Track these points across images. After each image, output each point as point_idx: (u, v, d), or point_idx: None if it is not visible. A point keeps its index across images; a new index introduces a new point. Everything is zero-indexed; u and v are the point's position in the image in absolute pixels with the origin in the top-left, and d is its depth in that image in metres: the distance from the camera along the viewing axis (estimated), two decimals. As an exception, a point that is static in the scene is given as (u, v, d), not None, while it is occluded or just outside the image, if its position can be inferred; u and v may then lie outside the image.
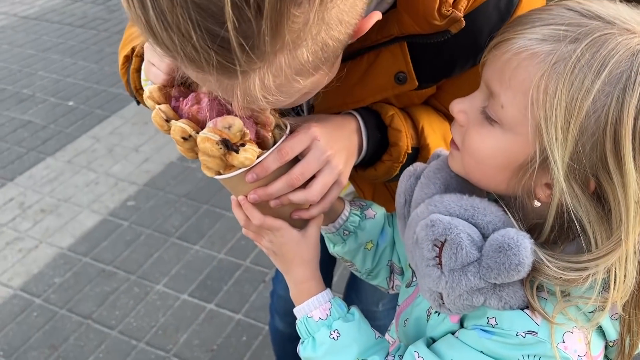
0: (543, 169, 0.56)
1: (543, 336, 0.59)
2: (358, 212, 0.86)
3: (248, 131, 0.70)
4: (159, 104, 0.72)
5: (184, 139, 0.68)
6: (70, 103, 3.47)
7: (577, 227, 0.57)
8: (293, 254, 0.77)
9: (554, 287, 0.59)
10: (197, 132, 0.68)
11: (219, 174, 0.71)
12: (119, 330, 2.07)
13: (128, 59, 0.89)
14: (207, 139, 0.66)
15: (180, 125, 0.68)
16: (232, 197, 0.77)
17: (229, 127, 0.67)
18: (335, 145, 0.75)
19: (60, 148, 3.07)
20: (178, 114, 0.71)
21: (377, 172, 0.85)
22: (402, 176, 0.74)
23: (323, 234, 0.86)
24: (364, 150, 0.82)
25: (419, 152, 0.86)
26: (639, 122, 0.52)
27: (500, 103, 0.58)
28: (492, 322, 0.62)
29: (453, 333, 0.67)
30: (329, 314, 0.74)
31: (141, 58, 0.84)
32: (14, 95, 3.55)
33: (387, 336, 0.89)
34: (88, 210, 2.64)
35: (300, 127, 0.74)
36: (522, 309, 0.60)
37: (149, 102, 0.72)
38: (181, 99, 0.74)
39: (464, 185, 0.68)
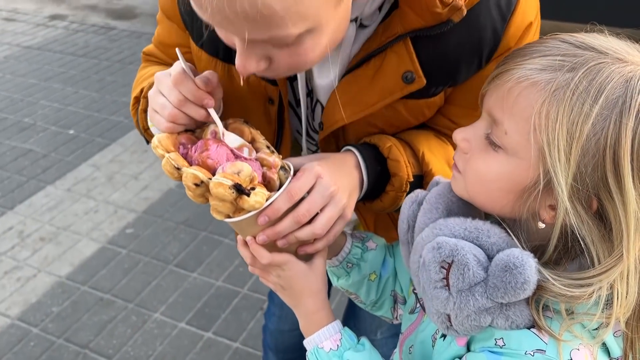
0: (547, 191, 0.59)
1: (551, 354, 0.60)
2: (360, 244, 0.88)
3: (256, 175, 0.73)
4: (168, 152, 0.74)
5: (196, 185, 0.70)
6: (71, 131, 3.50)
7: (581, 245, 0.60)
8: (301, 286, 0.79)
9: (559, 305, 0.60)
10: (209, 178, 0.70)
11: (229, 217, 0.73)
12: (116, 360, 2.06)
13: (137, 100, 0.93)
14: (220, 184, 0.69)
15: (192, 172, 0.70)
16: (239, 236, 0.78)
17: (239, 172, 0.70)
18: (338, 182, 0.77)
19: (60, 176, 3.10)
20: (187, 161, 0.74)
21: (383, 203, 0.88)
22: (404, 203, 0.76)
23: (327, 268, 0.87)
24: (365, 183, 0.84)
25: (422, 179, 0.87)
26: (636, 143, 0.56)
27: (504, 130, 0.61)
28: (500, 342, 0.63)
29: (460, 357, 0.67)
30: (339, 345, 0.75)
31: (147, 99, 0.87)
32: (15, 124, 3.59)
33: None
34: (87, 238, 2.65)
35: (304, 166, 0.77)
36: (529, 328, 0.61)
37: (157, 151, 0.74)
38: (189, 146, 0.76)
39: (465, 210, 0.70)
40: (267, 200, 0.72)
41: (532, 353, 0.61)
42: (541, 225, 0.62)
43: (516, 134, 0.60)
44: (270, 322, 1.47)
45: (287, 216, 0.74)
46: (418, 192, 0.76)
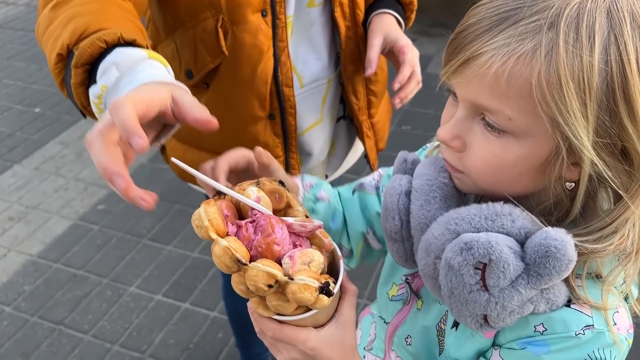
0: (570, 153, 0.54)
1: (600, 326, 0.58)
2: (311, 196, 0.81)
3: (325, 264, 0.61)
4: (219, 234, 0.57)
5: (270, 286, 0.56)
6: (37, 110, 3.41)
7: (609, 191, 0.57)
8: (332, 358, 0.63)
9: (594, 269, 0.58)
10: (290, 278, 0.56)
11: (280, 314, 0.60)
12: (92, 335, 2.04)
13: (62, 58, 0.73)
14: (306, 286, 0.55)
15: (267, 271, 0.55)
16: (249, 304, 0.64)
17: (310, 263, 0.58)
18: None
19: (27, 155, 3.02)
20: (244, 245, 0.58)
21: None
22: (386, 196, 0.68)
23: None
24: None
25: None
26: None
27: (506, 116, 0.55)
28: (540, 328, 0.59)
29: (485, 352, 0.64)
30: None
31: (87, 74, 0.70)
32: (-22, 104, 3.48)
33: (370, 357, 0.84)
34: (58, 216, 2.60)
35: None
36: (567, 306, 0.58)
37: (206, 233, 0.57)
38: (243, 223, 0.60)
39: (459, 191, 0.65)
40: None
41: (582, 332, 0.57)
42: (569, 185, 0.58)
43: (521, 116, 0.54)
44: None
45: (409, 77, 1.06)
46: (400, 181, 0.67)
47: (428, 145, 0.82)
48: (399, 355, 0.79)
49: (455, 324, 0.68)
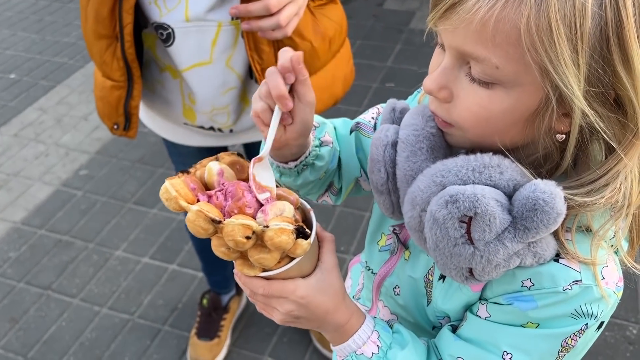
0: (560, 103, 0.52)
1: (587, 281, 0.57)
2: (317, 142, 0.76)
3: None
4: (188, 202, 0.59)
5: (247, 238, 0.56)
6: (12, 76, 3.33)
7: (602, 143, 0.55)
8: (321, 306, 0.64)
9: (583, 222, 0.57)
10: (265, 226, 0.57)
11: (265, 270, 0.61)
12: (81, 298, 2.05)
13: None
14: (282, 230, 0.56)
15: (242, 223, 0.56)
16: (235, 270, 0.65)
17: (282, 213, 0.59)
18: None
19: (5, 122, 2.96)
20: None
21: None
22: (372, 147, 0.66)
23: (273, 168, 0.75)
24: None
25: None
26: (638, 17, 0.49)
27: (493, 65, 0.52)
28: (528, 283, 0.58)
29: (471, 305, 0.64)
30: (380, 345, 0.66)
31: None
32: (-49, 71, 3.39)
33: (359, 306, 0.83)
34: (40, 182, 2.57)
35: None
36: (556, 260, 0.57)
37: (177, 203, 0.58)
38: (212, 192, 0.61)
39: (446, 142, 0.63)
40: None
41: (569, 287, 0.57)
42: (560, 137, 0.56)
43: (509, 64, 0.52)
44: None
45: (259, 2, 0.98)
46: (386, 132, 0.65)
47: (419, 88, 0.80)
48: (387, 305, 0.79)
49: (443, 276, 0.68)
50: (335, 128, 0.83)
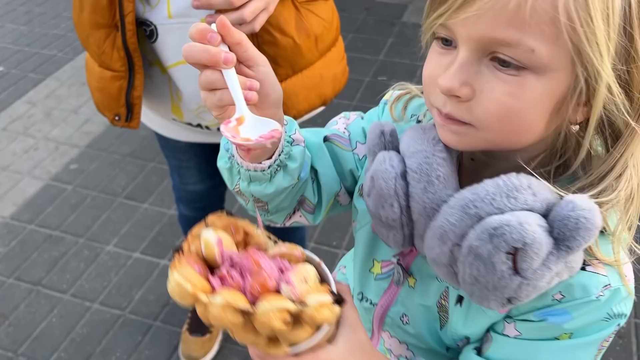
0: (587, 87, 0.51)
1: (615, 283, 0.57)
2: (288, 139, 0.70)
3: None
4: (204, 291, 0.52)
5: (286, 321, 0.51)
6: (0, 68, 3.28)
7: (604, 135, 0.54)
8: None
9: (603, 221, 0.55)
10: (301, 304, 0.52)
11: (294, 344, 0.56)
12: (71, 294, 2.03)
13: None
14: (322, 305, 0.52)
15: (278, 308, 0.50)
16: (254, 352, 0.60)
17: (307, 279, 0.54)
18: None
19: (-7, 116, 2.93)
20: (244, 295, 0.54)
21: None
22: (379, 181, 0.60)
23: (242, 175, 0.68)
24: None
25: None
26: None
27: (528, 48, 0.49)
28: (558, 297, 0.57)
29: (494, 324, 0.62)
30: None
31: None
32: (-63, 63, 3.34)
33: None
34: (29, 176, 2.54)
35: None
36: (582, 269, 0.56)
37: (191, 298, 0.52)
38: (224, 272, 0.55)
39: (450, 160, 0.60)
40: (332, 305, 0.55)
41: (602, 293, 0.56)
42: (575, 128, 0.55)
43: (545, 45, 0.49)
44: (176, 180, 1.59)
45: None
46: (390, 162, 0.60)
47: (385, 99, 0.77)
48: (394, 336, 0.76)
49: (459, 300, 0.65)
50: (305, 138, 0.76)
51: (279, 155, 0.67)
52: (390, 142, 0.64)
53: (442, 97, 0.56)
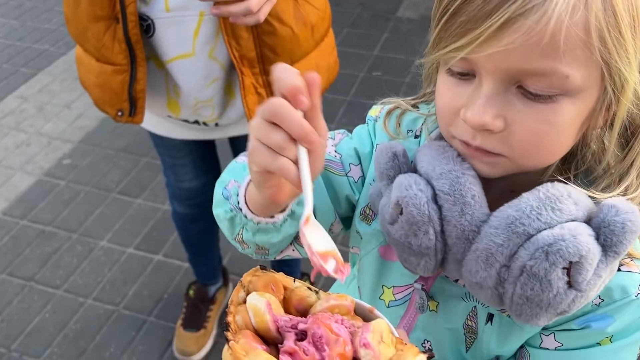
0: (614, 96, 0.51)
1: None
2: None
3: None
4: None
5: None
6: (-8, 63, 3.26)
7: (637, 124, 0.54)
8: None
9: None
10: None
11: None
12: (65, 289, 2.02)
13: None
14: None
15: None
16: None
17: (382, 336, 0.48)
18: None
19: (-15, 110, 2.90)
20: None
21: None
22: (410, 207, 0.56)
23: (248, 227, 0.64)
24: None
25: None
26: None
27: (562, 75, 0.48)
28: (597, 301, 0.57)
29: (528, 340, 0.61)
30: None
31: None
32: None
33: None
34: (21, 172, 2.53)
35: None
36: (618, 269, 0.55)
37: None
38: (294, 348, 0.48)
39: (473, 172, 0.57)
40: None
41: (639, 291, 0.56)
42: (597, 132, 0.55)
43: (578, 69, 0.48)
44: (170, 176, 1.57)
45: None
46: (417, 187, 0.56)
47: (371, 115, 0.73)
48: None
49: (489, 318, 0.63)
50: None
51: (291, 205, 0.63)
52: (404, 163, 0.61)
53: (469, 130, 0.54)
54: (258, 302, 0.50)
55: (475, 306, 0.64)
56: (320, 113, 0.51)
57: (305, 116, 0.49)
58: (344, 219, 0.74)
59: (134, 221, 2.26)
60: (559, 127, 0.51)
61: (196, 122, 1.26)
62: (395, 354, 0.47)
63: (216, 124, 1.27)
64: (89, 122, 2.78)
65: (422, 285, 0.66)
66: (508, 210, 0.52)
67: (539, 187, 0.52)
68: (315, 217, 0.65)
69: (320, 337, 0.47)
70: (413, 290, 0.68)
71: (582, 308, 0.56)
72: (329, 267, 0.49)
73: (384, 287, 0.71)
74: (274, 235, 0.63)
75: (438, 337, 0.68)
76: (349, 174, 0.72)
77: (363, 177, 0.71)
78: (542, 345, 0.61)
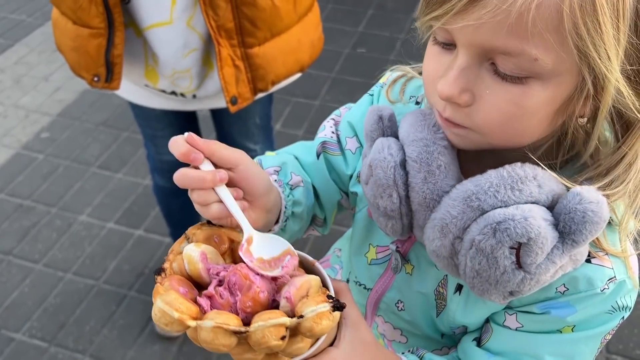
0: (594, 86, 0.49)
1: (621, 275, 0.56)
2: (287, 189, 0.69)
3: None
4: (194, 318, 0.48)
5: (283, 338, 0.48)
6: (-33, 32, 3.17)
7: (613, 125, 0.53)
8: None
9: (611, 211, 0.53)
10: (300, 316, 0.49)
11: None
12: (44, 264, 2.00)
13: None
14: (320, 315, 0.48)
15: (273, 324, 0.47)
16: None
17: (308, 293, 0.51)
18: None
19: (-41, 82, 2.83)
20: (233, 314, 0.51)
21: None
22: (377, 170, 0.58)
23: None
24: None
25: None
26: None
27: (531, 57, 0.47)
28: (562, 289, 0.56)
29: (494, 314, 0.62)
30: None
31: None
32: None
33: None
34: (-2, 145, 2.48)
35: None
36: (588, 261, 0.55)
37: (178, 325, 0.48)
38: (212, 291, 0.51)
39: (452, 146, 0.58)
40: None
41: (606, 286, 0.55)
42: (582, 121, 0.53)
43: (548, 53, 0.47)
44: (150, 148, 1.56)
45: None
46: (389, 150, 0.58)
47: (382, 81, 0.74)
48: (388, 321, 0.75)
49: (458, 288, 0.64)
50: (297, 158, 0.76)
51: (285, 209, 0.67)
52: (388, 127, 0.61)
53: (441, 101, 0.54)
54: (193, 252, 0.54)
55: (446, 275, 0.66)
56: (221, 149, 0.58)
57: (214, 161, 0.58)
58: (352, 193, 0.77)
59: (114, 196, 2.24)
60: (527, 109, 0.50)
61: (174, 93, 1.24)
62: (300, 301, 0.50)
63: (194, 96, 1.25)
64: (68, 95, 2.72)
65: (397, 247, 0.68)
66: (468, 184, 0.53)
67: (506, 166, 0.52)
68: (321, 199, 0.76)
69: (234, 283, 0.51)
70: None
71: (544, 292, 0.57)
72: (274, 272, 0.54)
73: (370, 245, 0.73)
74: (282, 235, 0.67)
75: (411, 299, 0.69)
76: (345, 149, 0.74)
77: (361, 146, 0.73)
78: (504, 324, 0.62)
